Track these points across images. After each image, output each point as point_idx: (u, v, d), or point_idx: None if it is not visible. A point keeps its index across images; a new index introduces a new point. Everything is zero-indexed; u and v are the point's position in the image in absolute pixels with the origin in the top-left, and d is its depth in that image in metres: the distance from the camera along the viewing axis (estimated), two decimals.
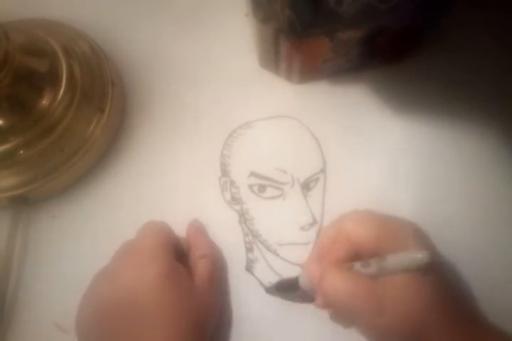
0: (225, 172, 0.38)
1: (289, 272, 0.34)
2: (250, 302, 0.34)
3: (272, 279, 0.34)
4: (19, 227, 0.36)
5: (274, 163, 0.37)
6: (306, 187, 0.36)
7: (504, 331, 0.29)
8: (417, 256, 0.26)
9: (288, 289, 0.33)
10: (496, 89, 0.38)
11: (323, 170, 0.37)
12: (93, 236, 0.37)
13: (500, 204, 0.36)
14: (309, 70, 0.38)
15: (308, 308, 0.34)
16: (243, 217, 0.36)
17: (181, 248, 0.34)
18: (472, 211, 0.35)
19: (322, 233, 0.34)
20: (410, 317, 0.27)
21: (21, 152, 0.35)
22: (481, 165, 0.37)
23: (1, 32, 0.32)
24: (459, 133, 0.38)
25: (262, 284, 0.34)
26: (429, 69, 0.39)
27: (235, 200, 0.37)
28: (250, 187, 0.37)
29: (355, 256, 0.29)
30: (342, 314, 0.30)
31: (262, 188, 0.37)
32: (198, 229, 0.35)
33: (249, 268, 0.35)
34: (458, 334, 0.27)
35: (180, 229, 0.35)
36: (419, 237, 0.29)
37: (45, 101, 0.35)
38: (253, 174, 0.37)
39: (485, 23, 0.39)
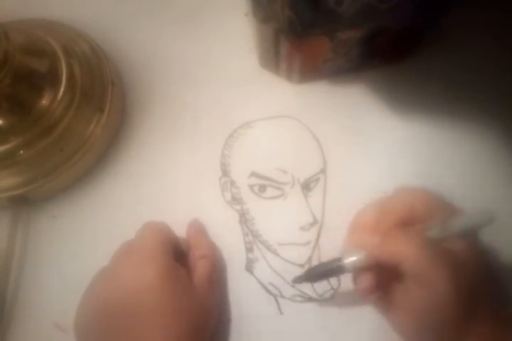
0: (225, 172, 0.38)
1: (289, 272, 0.34)
2: (250, 302, 0.34)
3: (271, 279, 0.34)
4: (19, 227, 0.36)
5: (274, 163, 0.37)
6: (307, 187, 0.36)
7: None
8: (478, 215, 0.27)
9: (323, 276, 0.31)
10: (496, 89, 0.38)
11: (323, 170, 0.37)
12: (93, 236, 0.37)
13: (500, 204, 0.36)
14: (309, 70, 0.38)
15: (308, 308, 0.34)
16: (243, 217, 0.36)
17: (181, 248, 0.34)
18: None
19: (362, 210, 0.31)
20: (467, 286, 0.27)
21: (21, 152, 0.35)
22: (481, 165, 0.37)
23: (1, 32, 0.32)
24: (459, 133, 0.38)
25: (261, 284, 0.35)
26: (429, 69, 0.39)
27: (236, 200, 0.37)
28: (251, 187, 0.37)
29: (410, 221, 0.29)
30: (406, 284, 0.28)
31: (263, 188, 0.37)
32: (198, 229, 0.35)
33: (249, 268, 0.35)
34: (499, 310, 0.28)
35: (181, 229, 0.35)
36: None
37: (45, 101, 0.35)
38: (253, 174, 0.37)
39: (485, 23, 0.39)
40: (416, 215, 0.29)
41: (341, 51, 0.36)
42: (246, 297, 0.34)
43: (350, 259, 0.28)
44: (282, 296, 0.34)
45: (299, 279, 0.32)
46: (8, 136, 0.35)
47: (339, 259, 0.29)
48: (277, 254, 0.35)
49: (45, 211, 0.38)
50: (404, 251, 0.27)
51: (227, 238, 0.36)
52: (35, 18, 0.41)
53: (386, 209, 0.30)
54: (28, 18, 0.41)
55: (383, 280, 0.29)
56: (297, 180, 0.37)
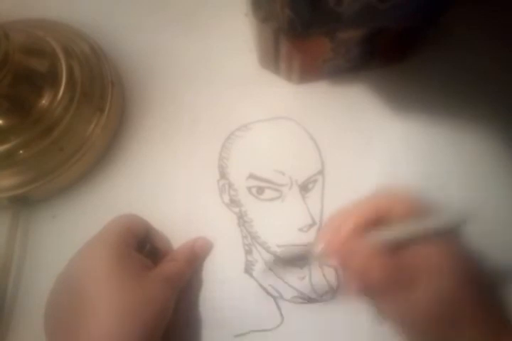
0: (223, 174, 0.37)
1: (289, 274, 0.34)
2: (250, 304, 0.34)
3: (271, 281, 0.34)
4: (19, 227, 0.37)
5: (272, 165, 0.37)
6: (305, 188, 0.36)
7: None
8: (444, 216, 0.27)
9: (293, 260, 0.33)
10: (496, 89, 0.38)
11: (321, 172, 0.37)
12: None
13: (500, 204, 0.36)
14: (309, 70, 0.38)
15: (308, 310, 0.34)
16: (242, 219, 0.36)
17: (154, 243, 0.34)
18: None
19: (344, 209, 0.33)
20: (445, 292, 0.26)
21: (21, 152, 0.35)
22: (481, 165, 0.37)
23: (1, 32, 0.32)
24: (459, 133, 0.37)
25: (261, 286, 0.34)
26: (429, 69, 0.39)
27: (234, 202, 0.37)
28: (249, 189, 0.37)
29: (377, 222, 0.29)
30: (364, 288, 0.29)
31: (261, 190, 0.37)
32: (197, 245, 0.35)
33: (248, 271, 0.35)
34: (489, 314, 0.27)
35: (179, 231, 0.36)
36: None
37: (44, 101, 0.35)
38: (251, 176, 0.37)
39: (485, 23, 0.39)
40: (384, 217, 0.29)
41: (341, 51, 0.36)
42: (246, 299, 0.34)
43: (316, 249, 0.30)
44: (282, 298, 0.34)
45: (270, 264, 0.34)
46: (8, 136, 0.35)
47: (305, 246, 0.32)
48: (277, 256, 0.35)
49: (45, 211, 0.38)
50: (353, 260, 0.28)
51: (226, 240, 0.36)
52: (35, 18, 0.41)
53: (353, 210, 0.31)
54: (28, 18, 0.41)
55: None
56: (295, 181, 0.36)
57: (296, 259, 0.33)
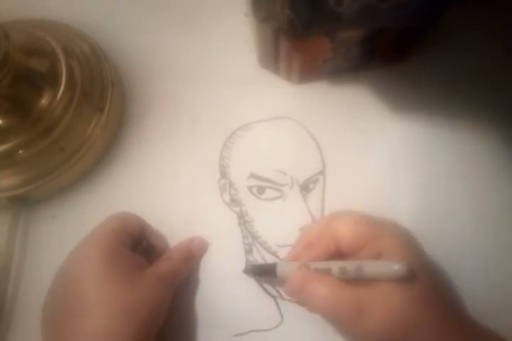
0: (224, 173, 0.37)
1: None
2: (250, 304, 0.34)
3: (271, 281, 0.34)
4: (19, 227, 0.36)
5: (273, 165, 0.37)
6: (306, 188, 0.36)
7: (490, 329, 0.29)
8: (394, 267, 0.26)
9: (264, 273, 0.33)
10: (496, 89, 0.38)
11: (322, 172, 0.37)
12: None
13: (499, 204, 0.36)
14: (309, 70, 0.38)
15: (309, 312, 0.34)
16: (242, 219, 0.36)
17: (150, 241, 0.34)
18: (472, 210, 0.35)
19: (307, 229, 0.34)
20: (391, 323, 0.27)
21: (21, 152, 0.35)
22: (481, 165, 0.37)
23: (1, 32, 0.32)
24: (458, 133, 0.37)
25: (261, 286, 0.34)
26: (429, 69, 0.39)
27: (234, 202, 0.37)
28: (249, 188, 0.37)
29: (337, 253, 0.30)
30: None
31: (262, 190, 0.37)
32: (194, 245, 0.35)
33: (248, 270, 0.35)
34: (446, 335, 0.27)
35: (179, 231, 0.35)
36: (404, 243, 0.29)
37: (44, 101, 0.35)
38: (252, 175, 0.37)
39: (485, 23, 0.39)
40: (344, 245, 0.29)
41: (341, 51, 0.36)
42: (245, 298, 0.34)
43: (279, 269, 0.31)
44: (282, 298, 0.34)
45: (247, 271, 0.34)
46: (8, 136, 0.35)
47: (273, 265, 0.32)
48: (277, 256, 0.35)
49: (45, 211, 0.38)
50: (312, 295, 0.28)
51: (226, 240, 0.36)
52: (35, 18, 0.41)
53: (314, 237, 0.31)
54: (28, 18, 0.41)
55: None
56: (296, 181, 0.36)
57: (265, 274, 0.33)
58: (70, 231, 0.37)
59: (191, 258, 0.35)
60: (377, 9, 0.30)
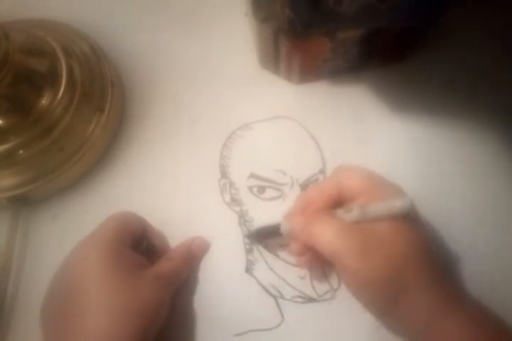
0: (224, 173, 0.37)
1: (289, 273, 0.34)
2: (250, 304, 0.34)
3: (271, 281, 0.34)
4: (19, 227, 0.36)
5: (273, 164, 0.37)
6: (306, 188, 0.36)
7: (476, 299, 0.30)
8: (397, 202, 0.28)
9: (268, 236, 0.34)
10: (496, 89, 0.38)
11: (322, 171, 0.37)
12: None
13: (499, 204, 0.36)
14: (309, 70, 0.38)
15: (308, 309, 0.34)
16: (243, 219, 0.36)
17: (151, 241, 0.34)
18: (472, 210, 0.35)
19: (311, 186, 0.36)
20: (391, 261, 0.28)
21: (21, 152, 0.35)
22: (481, 165, 0.37)
23: (1, 32, 0.32)
24: (458, 133, 0.38)
25: (261, 286, 0.34)
26: (429, 69, 0.39)
27: (235, 202, 0.37)
28: (250, 188, 0.37)
29: (340, 205, 0.31)
30: (323, 260, 0.30)
31: (262, 189, 0.37)
32: (195, 245, 0.35)
33: (249, 270, 0.35)
34: (434, 284, 0.28)
35: (179, 230, 0.35)
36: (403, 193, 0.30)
37: (44, 101, 0.35)
38: (253, 175, 0.37)
39: (485, 23, 0.39)
40: (347, 194, 0.30)
41: (341, 51, 0.36)
42: (246, 298, 0.34)
43: (283, 226, 0.32)
44: (282, 297, 0.34)
45: (252, 236, 0.35)
46: (8, 136, 0.35)
47: (277, 225, 0.32)
48: (277, 255, 0.35)
49: (45, 211, 0.38)
50: (318, 235, 0.29)
51: (227, 239, 0.36)
52: (35, 18, 0.41)
53: (316, 189, 0.32)
54: (28, 18, 0.41)
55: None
56: (296, 180, 0.36)
57: (269, 236, 0.34)
58: (70, 231, 0.37)
59: (192, 258, 0.35)
60: (377, 9, 0.30)
